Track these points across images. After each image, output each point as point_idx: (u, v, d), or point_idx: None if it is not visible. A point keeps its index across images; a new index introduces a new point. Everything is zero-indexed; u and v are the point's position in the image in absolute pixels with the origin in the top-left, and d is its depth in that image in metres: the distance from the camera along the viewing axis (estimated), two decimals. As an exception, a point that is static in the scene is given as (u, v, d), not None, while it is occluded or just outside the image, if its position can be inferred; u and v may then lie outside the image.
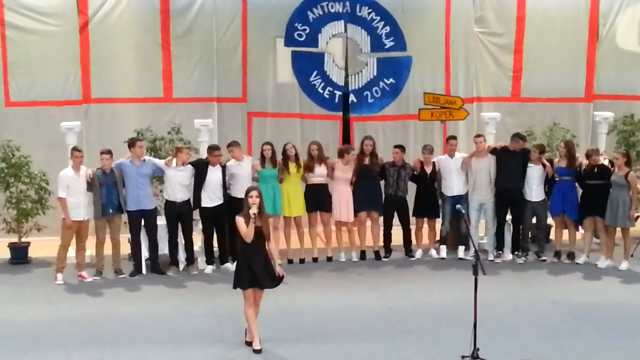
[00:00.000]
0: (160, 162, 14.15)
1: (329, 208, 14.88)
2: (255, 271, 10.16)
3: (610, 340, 10.82)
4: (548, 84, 17.62)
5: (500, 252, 14.86)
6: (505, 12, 17.51)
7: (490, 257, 14.75)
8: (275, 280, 10.33)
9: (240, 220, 10.14)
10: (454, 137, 15.30)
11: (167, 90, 16.66)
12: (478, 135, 15.08)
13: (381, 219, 15.13)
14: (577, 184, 14.64)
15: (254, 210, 10.05)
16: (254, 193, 10.19)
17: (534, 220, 14.98)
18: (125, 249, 14.24)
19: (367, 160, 14.94)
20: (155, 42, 16.56)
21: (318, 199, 14.85)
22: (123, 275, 13.90)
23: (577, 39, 17.61)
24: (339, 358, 10.28)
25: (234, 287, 10.40)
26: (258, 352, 10.32)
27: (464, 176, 15.02)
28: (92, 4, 16.18)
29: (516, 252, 14.81)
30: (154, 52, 16.58)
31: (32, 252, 14.95)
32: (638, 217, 15.35)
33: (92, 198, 13.79)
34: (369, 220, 15.11)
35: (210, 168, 14.07)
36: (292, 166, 14.67)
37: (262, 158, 14.58)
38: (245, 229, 10.09)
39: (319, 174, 14.81)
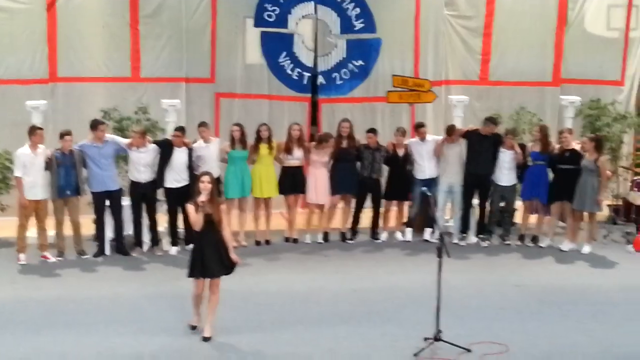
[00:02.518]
0: (123, 141, 14.08)
1: (304, 190, 14.91)
2: (206, 260, 10.02)
3: (574, 323, 10.92)
4: (516, 67, 17.64)
5: (465, 235, 14.93)
6: (475, -5, 17.56)
7: (455, 240, 14.84)
8: (228, 267, 10.20)
9: (190, 208, 9.99)
10: (423, 125, 15.27)
11: (134, 69, 16.52)
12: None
13: (353, 200, 15.16)
14: (549, 169, 14.71)
15: (202, 198, 9.89)
16: (205, 179, 9.98)
17: (502, 204, 15.05)
18: (88, 229, 14.20)
19: (344, 143, 14.93)
20: (123, 21, 16.40)
21: (295, 182, 14.85)
22: (86, 256, 13.84)
23: (545, 23, 17.64)
24: (304, 340, 10.29)
25: (188, 276, 10.25)
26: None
27: (436, 159, 15.01)
28: (60, -19, 16.06)
29: (480, 235, 14.90)
30: (122, 31, 16.43)
31: (-5, 232, 14.94)
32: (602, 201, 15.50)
33: (50, 178, 13.70)
34: (342, 202, 15.12)
35: (175, 149, 14.01)
36: (263, 147, 14.63)
37: (232, 139, 14.54)
38: (194, 216, 9.96)
39: (296, 156, 14.81)
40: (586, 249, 14.28)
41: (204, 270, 10.08)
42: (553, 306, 11.60)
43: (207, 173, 10.23)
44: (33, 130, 13.53)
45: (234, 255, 10.20)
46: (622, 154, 16.93)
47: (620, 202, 16.43)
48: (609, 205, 16.10)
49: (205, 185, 9.92)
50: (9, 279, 12.72)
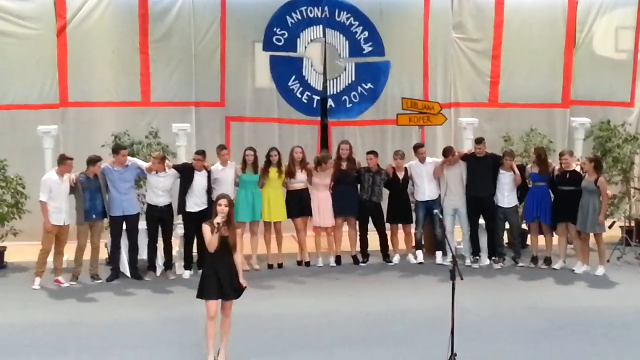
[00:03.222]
0: (143, 165, 14.09)
1: (310, 213, 14.91)
2: (222, 282, 9.92)
3: (587, 346, 10.86)
4: (525, 89, 17.72)
5: (477, 257, 14.89)
6: (483, 18, 17.60)
7: (468, 263, 14.80)
8: (238, 291, 10.09)
9: (206, 228, 9.92)
10: (422, 145, 15.33)
11: (145, 94, 16.62)
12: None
13: (357, 224, 15.14)
14: (550, 190, 14.71)
15: (218, 219, 9.82)
16: (223, 202, 9.90)
17: (506, 225, 15.04)
18: (102, 253, 14.19)
19: (344, 165, 14.92)
20: (133, 46, 16.53)
21: (301, 204, 14.85)
22: (100, 280, 13.83)
23: (554, 45, 17.71)
24: (316, 364, 10.29)
25: (198, 297, 10.11)
26: None
27: (436, 181, 15.04)
28: (70, 7, 16.14)
29: (493, 258, 14.84)
30: (132, 56, 16.55)
31: (8, 257, 14.86)
32: (614, 222, 15.47)
33: (75, 203, 13.71)
34: (346, 225, 15.11)
35: (196, 173, 14.04)
36: (273, 171, 14.64)
37: (244, 163, 14.54)
38: (209, 237, 9.90)
39: (300, 179, 14.82)
40: (600, 270, 14.20)
41: (220, 291, 9.99)
42: (566, 328, 11.55)
43: (225, 196, 10.15)
44: (63, 160, 13.55)
45: (242, 280, 10.13)
46: (633, 175, 16.89)
47: (632, 224, 16.34)
48: (621, 227, 16.04)
49: (222, 208, 9.87)
50: (21, 304, 12.70)
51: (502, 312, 12.32)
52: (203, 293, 10.04)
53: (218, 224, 9.81)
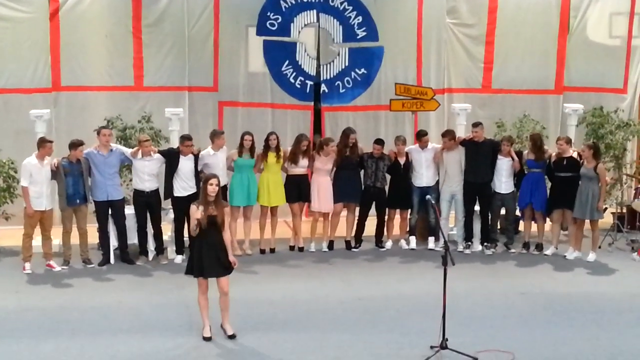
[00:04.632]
0: (128, 151, 14.07)
1: (309, 198, 14.90)
2: (204, 259, 10.13)
3: (579, 331, 10.87)
4: (519, 75, 17.73)
5: (470, 243, 14.91)
6: (477, 4, 17.60)
7: (460, 248, 14.83)
8: (226, 268, 10.28)
9: (193, 208, 10.14)
10: (426, 134, 15.22)
11: (137, 78, 16.58)
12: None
13: (357, 209, 15.14)
14: (546, 177, 14.70)
15: (197, 215, 10.03)
16: (214, 181, 10.14)
17: (503, 211, 15.05)
18: (94, 238, 14.18)
19: (347, 151, 14.91)
20: (126, 30, 16.48)
21: (300, 190, 14.84)
22: (92, 265, 13.83)
23: (547, 30, 17.71)
24: (309, 348, 10.26)
25: (186, 273, 10.46)
26: (208, 339, 10.31)
27: (434, 168, 15.03)
28: (63, -10, 16.09)
29: (485, 244, 14.86)
30: (125, 40, 16.51)
31: (0, 241, 14.86)
32: (606, 208, 15.49)
33: (57, 188, 13.69)
34: (345, 210, 15.11)
35: (182, 157, 13.98)
36: (271, 156, 14.61)
37: (241, 147, 14.51)
38: (194, 220, 10.10)
39: (302, 165, 14.81)
40: (591, 256, 14.24)
41: (202, 270, 10.19)
42: (558, 314, 11.57)
43: (214, 175, 10.41)
44: (42, 143, 13.48)
45: (232, 257, 10.34)
46: (625, 162, 16.91)
47: (624, 210, 16.36)
48: (613, 213, 16.06)
49: (214, 188, 10.08)
50: (13, 288, 12.70)
51: (494, 297, 12.32)
52: (192, 271, 10.32)
53: (198, 219, 10.05)
